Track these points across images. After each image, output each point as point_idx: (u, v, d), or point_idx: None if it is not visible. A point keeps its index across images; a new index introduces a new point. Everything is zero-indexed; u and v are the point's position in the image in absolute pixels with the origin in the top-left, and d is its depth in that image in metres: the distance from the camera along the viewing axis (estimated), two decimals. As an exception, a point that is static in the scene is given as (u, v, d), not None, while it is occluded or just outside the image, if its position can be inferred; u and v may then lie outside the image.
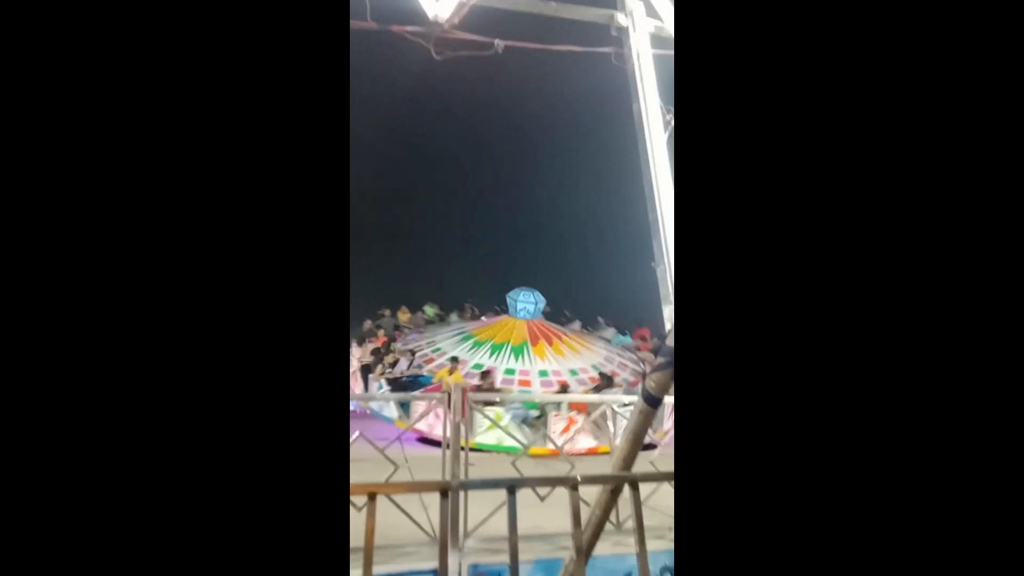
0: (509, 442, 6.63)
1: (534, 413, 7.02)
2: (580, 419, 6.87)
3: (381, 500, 2.72)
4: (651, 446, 3.74)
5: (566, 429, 6.43)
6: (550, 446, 6.20)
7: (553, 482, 1.50)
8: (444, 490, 1.26)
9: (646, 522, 3.55)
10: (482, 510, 2.94)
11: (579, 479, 1.36)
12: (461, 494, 2.96)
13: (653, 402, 1.56)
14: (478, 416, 7.34)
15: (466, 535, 2.90)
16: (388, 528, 2.97)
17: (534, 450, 6.44)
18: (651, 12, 2.20)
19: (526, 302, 9.80)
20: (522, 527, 3.36)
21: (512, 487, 1.30)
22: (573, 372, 8.23)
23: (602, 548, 3.01)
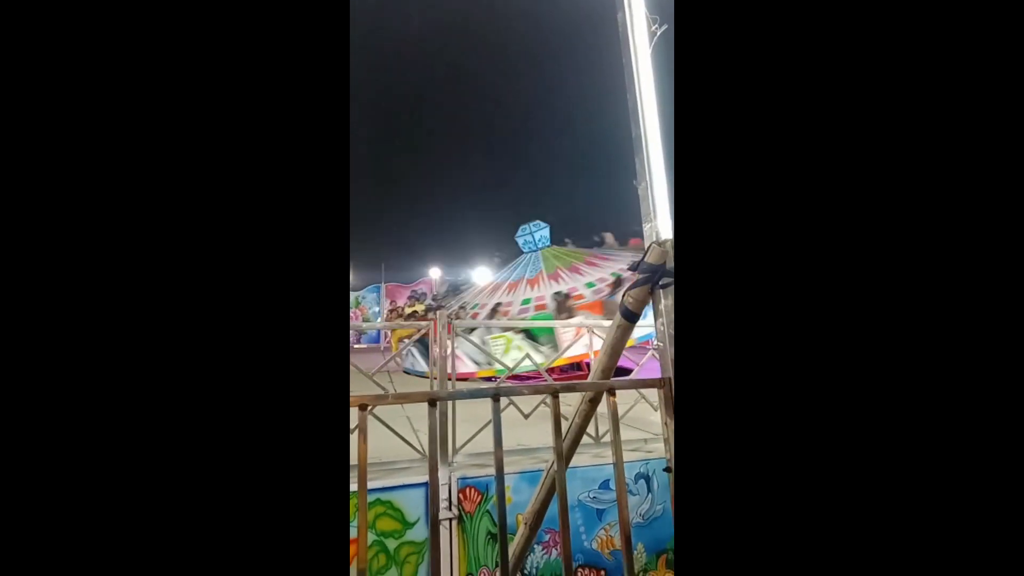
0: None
1: (543, 339, 7.39)
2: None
3: (373, 424, 2.85)
4: (628, 369, 3.91)
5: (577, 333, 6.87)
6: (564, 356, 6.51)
7: (535, 390, 1.56)
8: (432, 400, 1.31)
9: (623, 436, 3.77)
10: (469, 432, 3.10)
11: (559, 387, 1.42)
12: (449, 416, 3.10)
13: (631, 317, 1.61)
14: (493, 345, 7.67)
15: (455, 451, 3.06)
16: (379, 450, 3.12)
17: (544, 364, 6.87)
18: (638, -91, 2.03)
19: (538, 230, 10.15)
20: (506, 443, 3.55)
21: (496, 395, 1.36)
22: (590, 284, 8.61)
23: (582, 460, 3.23)
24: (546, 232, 10.33)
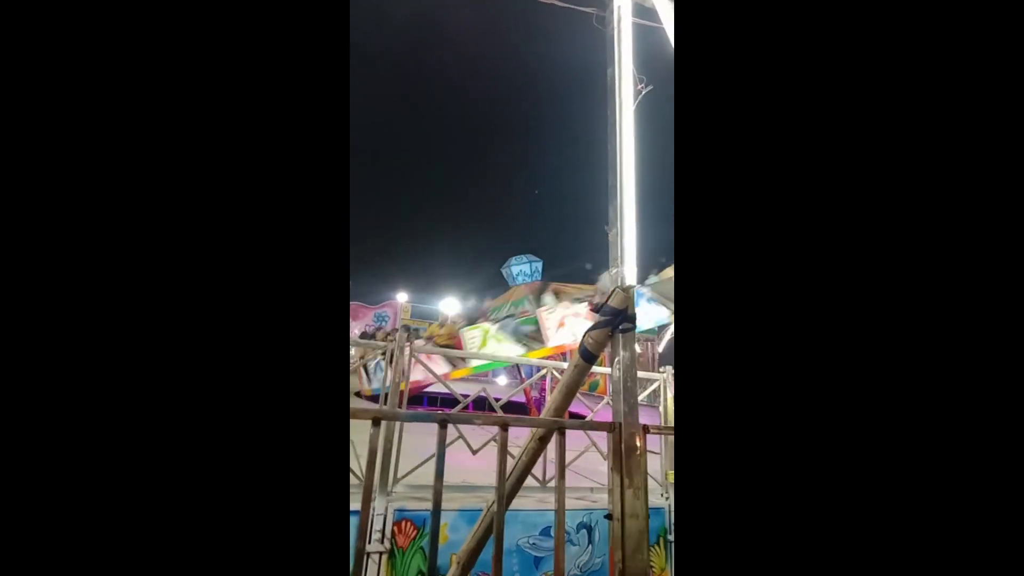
0: (504, 353, 6.95)
1: (527, 328, 7.45)
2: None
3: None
4: (582, 416, 3.88)
5: (561, 324, 6.96)
6: (549, 345, 6.61)
7: (484, 420, 1.53)
8: (376, 419, 1.26)
9: (570, 483, 3.70)
10: (414, 464, 2.99)
11: (510, 420, 1.39)
12: (395, 443, 2.99)
13: (589, 358, 1.61)
14: (468, 337, 7.55)
15: (395, 480, 2.94)
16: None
17: (532, 353, 6.88)
18: (636, -21, 2.18)
19: (519, 264, 10.30)
20: (451, 479, 3.43)
21: (443, 422, 1.32)
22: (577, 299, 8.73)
23: (525, 503, 3.14)
24: (526, 268, 10.44)
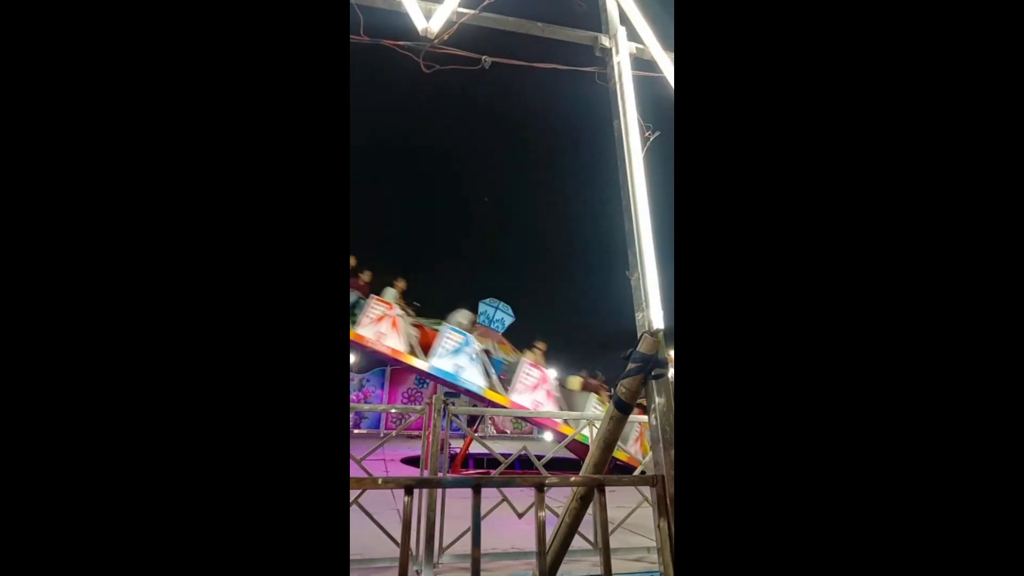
0: (469, 375, 6.46)
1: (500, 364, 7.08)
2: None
3: (361, 517, 2.66)
4: (632, 468, 3.69)
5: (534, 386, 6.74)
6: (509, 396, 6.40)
7: (520, 481, 1.48)
8: (408, 487, 1.25)
9: (627, 544, 3.46)
10: (460, 529, 2.89)
11: (546, 481, 1.35)
12: (438, 509, 2.90)
13: (623, 407, 1.56)
14: (445, 335, 6.94)
15: (440, 551, 2.84)
16: (362, 548, 2.89)
17: (488, 392, 6.53)
18: (632, 35, 2.29)
19: (496, 307, 9.61)
20: (499, 544, 3.27)
21: (477, 486, 1.29)
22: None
23: (578, 567, 2.95)
24: (490, 312, 9.76)
